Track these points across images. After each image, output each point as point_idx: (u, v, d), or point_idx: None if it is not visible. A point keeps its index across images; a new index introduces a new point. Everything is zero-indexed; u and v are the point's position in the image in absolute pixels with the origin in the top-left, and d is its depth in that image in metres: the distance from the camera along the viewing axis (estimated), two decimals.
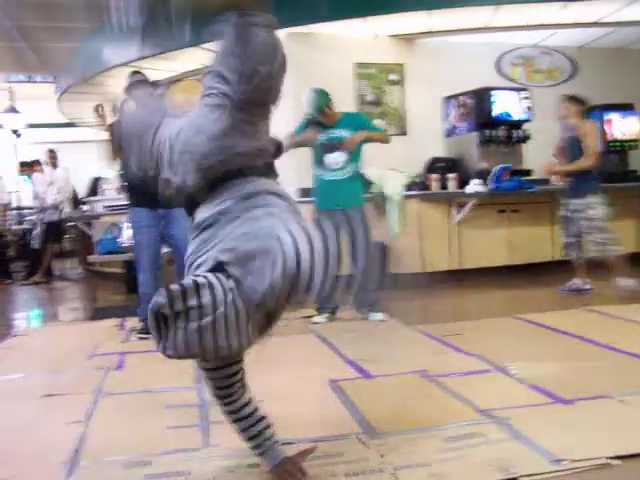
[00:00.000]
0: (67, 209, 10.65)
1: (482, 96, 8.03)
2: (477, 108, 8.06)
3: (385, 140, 5.73)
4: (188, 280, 1.97)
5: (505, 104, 8.15)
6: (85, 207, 11.05)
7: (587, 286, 6.50)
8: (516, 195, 7.53)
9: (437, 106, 8.58)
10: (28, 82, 17.78)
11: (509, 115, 8.15)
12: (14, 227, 12.63)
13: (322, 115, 5.56)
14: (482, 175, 7.53)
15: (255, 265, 1.98)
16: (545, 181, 8.13)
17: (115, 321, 5.99)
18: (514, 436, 2.71)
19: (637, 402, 3.07)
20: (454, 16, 7.86)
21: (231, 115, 2.20)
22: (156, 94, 2.81)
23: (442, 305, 6.54)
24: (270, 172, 2.36)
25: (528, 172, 8.13)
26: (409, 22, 8.00)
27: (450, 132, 8.52)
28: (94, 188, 11.72)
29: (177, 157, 2.26)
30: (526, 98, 8.32)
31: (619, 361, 3.87)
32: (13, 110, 15.79)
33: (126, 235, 6.93)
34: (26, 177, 11.31)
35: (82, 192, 13.05)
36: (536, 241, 7.76)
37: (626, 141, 8.76)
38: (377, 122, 8.35)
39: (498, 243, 7.61)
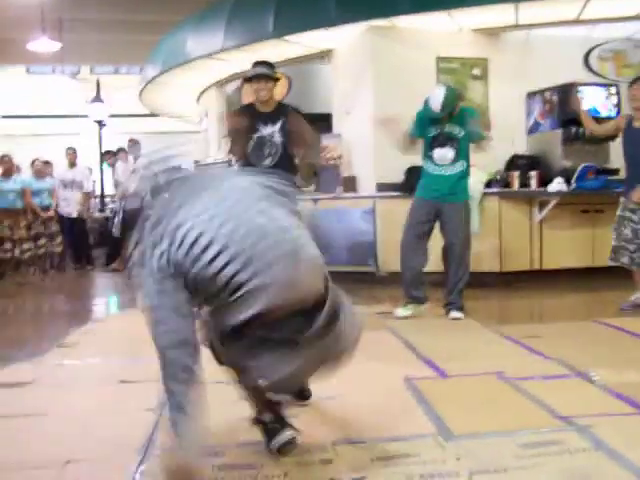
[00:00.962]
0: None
1: (568, 92, 7.78)
2: (562, 104, 7.82)
3: (483, 143, 5.57)
4: None
5: (592, 100, 7.89)
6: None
7: None
8: (600, 195, 7.28)
9: (521, 102, 8.37)
10: (114, 74, 18.30)
11: (597, 112, 7.88)
12: (96, 214, 12.94)
13: (448, 114, 5.37)
14: (565, 174, 7.32)
15: None
16: None
17: None
18: (596, 446, 2.61)
19: None
20: (542, 9, 7.64)
21: None
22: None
23: (521, 306, 6.39)
24: None
25: (615, 171, 7.84)
26: (494, 15, 7.83)
27: (533, 129, 8.30)
28: None
29: None
30: (615, 94, 8.03)
31: None
32: (98, 100, 16.21)
33: None
34: (107, 165, 11.55)
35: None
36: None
37: None
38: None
39: (581, 244, 7.38)
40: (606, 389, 3.37)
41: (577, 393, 3.37)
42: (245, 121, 5.32)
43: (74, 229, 10.80)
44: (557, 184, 7.11)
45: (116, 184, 10.88)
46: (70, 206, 10.74)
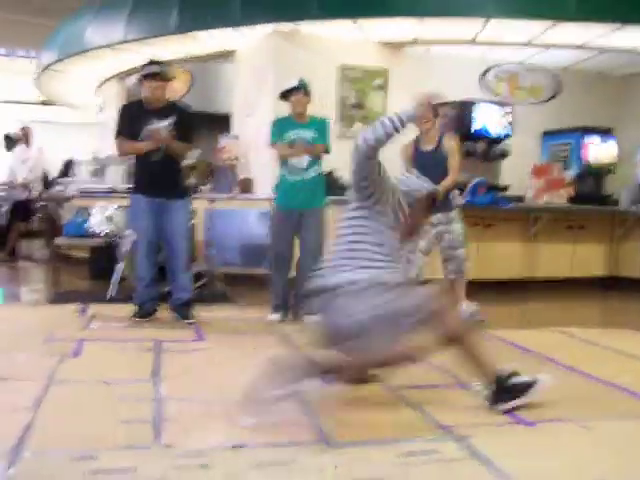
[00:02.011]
0: (37, 189, 10.43)
1: (464, 108, 8.01)
2: (457, 120, 8.03)
3: (322, 153, 5.61)
4: None
5: (486, 118, 8.14)
6: (56, 188, 10.87)
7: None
8: (490, 210, 7.51)
9: None
10: (7, 56, 17.51)
11: (487, 131, 8.14)
12: None
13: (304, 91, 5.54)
14: (458, 187, 7.49)
15: None
16: (520, 198, 8.14)
17: (76, 306, 5.85)
18: (472, 455, 2.66)
19: (598, 428, 3.04)
20: (443, 27, 7.85)
21: None
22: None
23: None
24: None
25: (504, 188, 8.13)
26: (398, 29, 7.98)
27: None
28: (66, 170, 11.54)
29: None
30: (508, 113, 8.32)
31: (581, 384, 3.85)
32: None
33: (95, 221, 6.80)
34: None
35: (54, 173, 12.86)
36: (507, 257, 7.76)
37: (603, 165, 8.80)
38: (358, 125, 8.35)
39: (468, 257, 7.58)
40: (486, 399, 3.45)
41: (458, 403, 3.44)
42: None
43: None
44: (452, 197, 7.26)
45: (10, 172, 10.40)
46: None
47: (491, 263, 7.57)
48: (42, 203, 10.80)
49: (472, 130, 8.02)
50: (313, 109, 5.66)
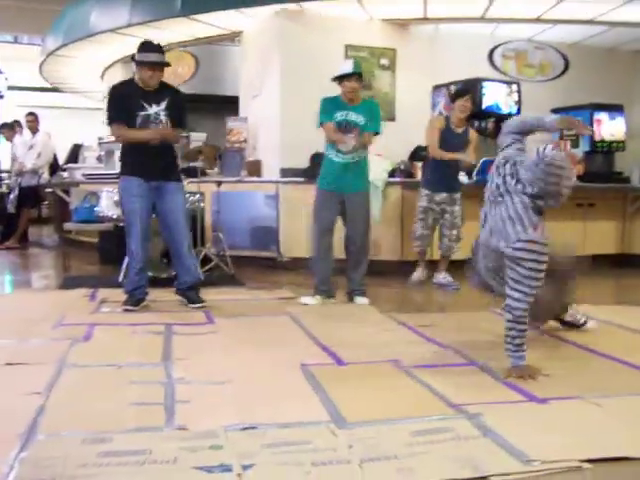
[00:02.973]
0: (46, 175, 10.44)
1: (472, 86, 7.93)
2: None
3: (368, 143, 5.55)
4: None
5: (495, 96, 8.07)
6: (64, 174, 10.87)
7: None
8: None
9: (427, 94, 8.47)
10: (14, 43, 17.48)
11: (499, 108, 8.07)
12: None
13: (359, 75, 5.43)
14: (465, 170, 7.44)
15: None
16: None
17: (86, 291, 5.86)
18: (485, 433, 2.65)
19: (610, 405, 3.03)
20: (450, 4, 7.76)
21: None
22: None
23: (419, 295, 6.48)
24: None
25: None
26: (404, 7, 7.90)
27: None
28: (74, 155, 11.53)
29: None
30: (516, 91, 8.24)
31: (593, 362, 3.84)
32: None
33: (104, 204, 6.80)
34: (3, 139, 11.04)
35: (62, 159, 12.86)
36: None
37: (613, 142, 8.72)
38: None
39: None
40: (497, 378, 3.44)
41: (470, 381, 3.43)
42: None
43: None
44: (460, 176, 7.22)
45: (13, 159, 10.41)
46: None
47: None
48: (50, 189, 10.83)
49: (482, 108, 7.93)
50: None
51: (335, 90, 5.53)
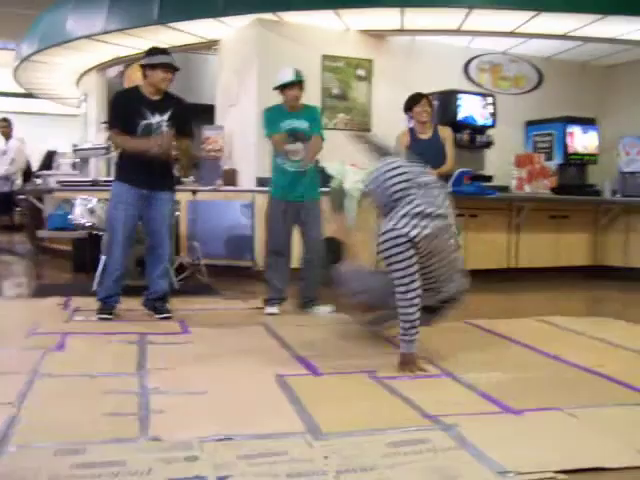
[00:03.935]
0: (19, 181, 10.34)
1: (448, 98, 8.00)
2: (442, 110, 8.01)
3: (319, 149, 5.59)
4: None
5: (470, 108, 8.14)
6: (38, 181, 10.77)
7: None
8: (475, 200, 7.51)
9: (402, 105, 8.50)
10: None
11: (474, 119, 8.14)
12: None
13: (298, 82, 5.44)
14: (442, 177, 7.48)
15: None
16: (505, 188, 8.16)
17: (59, 300, 5.80)
18: (461, 444, 2.66)
19: (585, 416, 3.05)
20: (426, 16, 7.84)
21: None
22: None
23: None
24: None
25: (489, 178, 8.14)
26: (381, 18, 7.95)
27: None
28: (48, 162, 11.43)
29: None
30: (491, 104, 8.32)
31: (567, 373, 3.87)
32: None
33: (78, 212, 6.74)
34: None
35: (36, 165, 12.74)
36: (491, 247, 7.77)
37: (586, 155, 8.83)
38: (341, 116, 8.33)
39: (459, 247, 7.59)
40: (472, 389, 3.46)
41: (445, 392, 3.44)
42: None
43: None
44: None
45: None
46: None
47: (475, 253, 7.56)
48: (23, 196, 10.71)
49: (457, 119, 7.99)
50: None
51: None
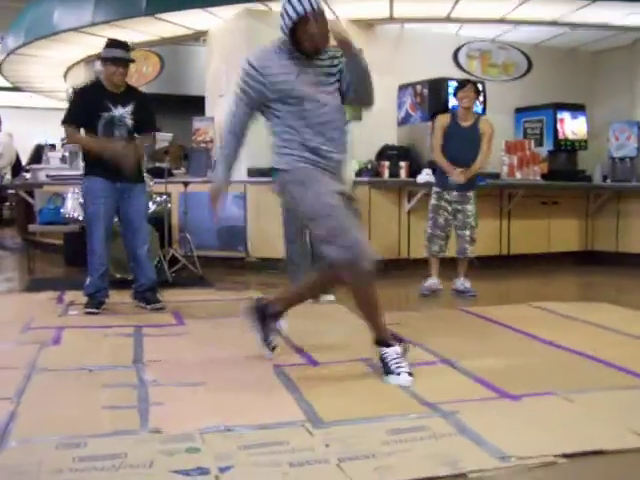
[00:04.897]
0: (8, 176, 10.30)
1: (438, 86, 7.99)
2: (432, 98, 8.00)
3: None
4: None
5: None
6: (27, 175, 10.72)
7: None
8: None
9: (393, 93, 8.51)
10: None
11: None
12: None
13: None
14: (434, 165, 7.49)
15: None
16: (496, 175, 8.17)
17: (53, 294, 5.79)
18: (460, 430, 2.68)
19: (582, 400, 3.08)
20: (415, 4, 7.82)
21: None
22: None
23: (388, 294, 6.49)
24: None
25: None
26: (370, 7, 7.92)
27: (404, 120, 8.45)
28: (37, 156, 11.38)
29: None
30: (481, 91, 8.31)
31: (562, 358, 3.89)
32: None
33: (70, 206, 6.72)
34: None
35: (25, 159, 12.67)
36: (483, 234, 7.77)
37: (576, 141, 8.85)
38: None
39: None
40: (470, 375, 3.48)
41: (442, 380, 3.46)
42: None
43: None
44: (425, 175, 7.27)
45: None
46: None
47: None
48: (13, 190, 10.67)
49: (447, 107, 7.98)
50: None
51: None
